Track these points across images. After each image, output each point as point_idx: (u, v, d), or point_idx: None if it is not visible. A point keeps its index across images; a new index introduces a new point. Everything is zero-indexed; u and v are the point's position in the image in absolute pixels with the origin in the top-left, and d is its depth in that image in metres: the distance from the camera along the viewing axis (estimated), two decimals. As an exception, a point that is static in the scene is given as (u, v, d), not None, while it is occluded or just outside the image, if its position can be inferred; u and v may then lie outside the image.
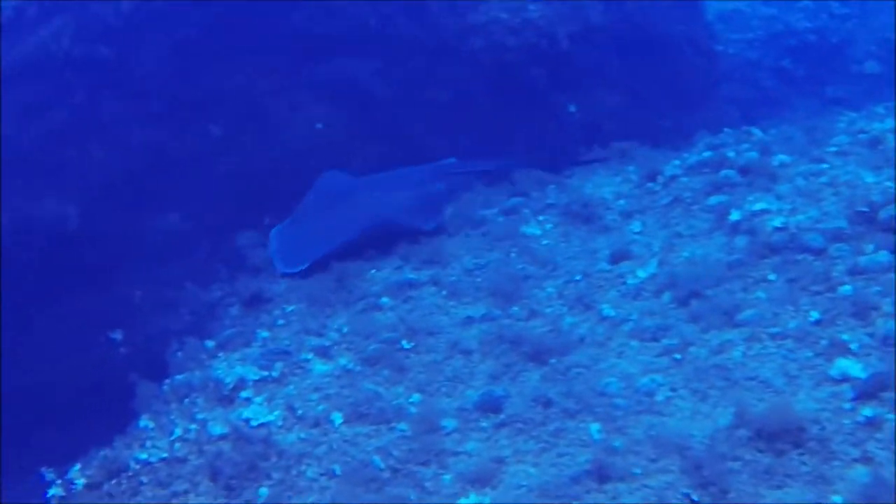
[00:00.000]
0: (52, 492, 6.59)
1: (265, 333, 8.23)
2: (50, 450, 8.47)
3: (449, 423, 6.63)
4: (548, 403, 6.51)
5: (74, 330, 10.20)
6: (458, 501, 5.89)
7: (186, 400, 7.55)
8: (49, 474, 7.49)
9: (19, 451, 9.32)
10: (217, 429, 6.89)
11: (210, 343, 8.37)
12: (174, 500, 6.33)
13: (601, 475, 5.78)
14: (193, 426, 6.99)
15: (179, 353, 8.53)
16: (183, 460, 6.65)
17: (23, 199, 10.24)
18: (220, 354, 8.14)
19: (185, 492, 6.40)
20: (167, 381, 8.12)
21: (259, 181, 10.85)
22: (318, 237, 9.60)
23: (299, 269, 9.32)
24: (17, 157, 10.02)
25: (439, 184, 10.28)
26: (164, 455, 6.74)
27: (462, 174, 10.65)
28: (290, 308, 8.68)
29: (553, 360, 6.95)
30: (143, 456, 6.75)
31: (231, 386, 7.41)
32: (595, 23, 11.23)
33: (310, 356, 7.70)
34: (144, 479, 6.53)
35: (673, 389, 6.46)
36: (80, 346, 10.22)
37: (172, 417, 7.17)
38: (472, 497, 5.87)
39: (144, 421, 7.26)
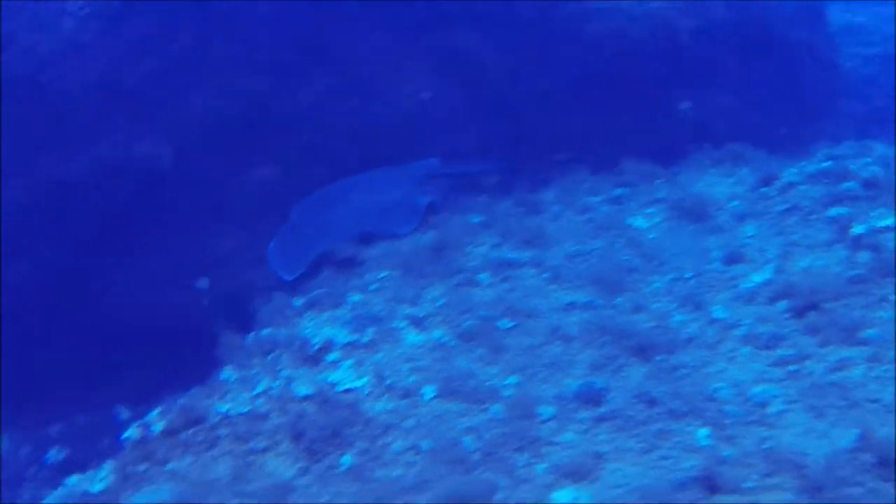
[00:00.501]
0: (127, 433, 6.10)
1: (357, 297, 7.78)
2: (129, 391, 8.14)
3: (546, 410, 6.11)
4: (652, 402, 6.01)
5: (160, 274, 9.80)
6: (553, 495, 5.28)
7: (270, 356, 7.13)
8: (124, 413, 7.11)
9: (98, 389, 8.98)
10: (302, 389, 6.44)
11: (298, 301, 7.87)
12: (251, 458, 5.76)
13: (710, 485, 5.24)
14: (277, 383, 6.56)
15: (265, 308, 7.97)
16: (264, 417, 6.21)
17: (119, 136, 9.79)
18: (308, 313, 7.72)
19: (264, 450, 5.95)
20: (251, 334, 7.58)
21: (357, 143, 10.35)
22: (307, 242, 9.32)
23: (296, 275, 8.89)
24: (118, 94, 9.58)
25: (423, 187, 9.93)
26: (246, 409, 6.30)
27: (447, 176, 10.29)
28: (383, 274, 8.21)
29: (659, 358, 6.45)
30: (224, 408, 6.31)
31: (318, 347, 6.97)
32: (716, 19, 10.60)
33: (402, 325, 7.25)
34: (223, 431, 6.09)
35: (788, 402, 5.93)
36: (164, 291, 9.77)
37: (255, 372, 6.71)
38: (569, 491, 5.29)
39: (227, 372, 6.83)
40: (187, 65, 9.93)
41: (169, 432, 6.12)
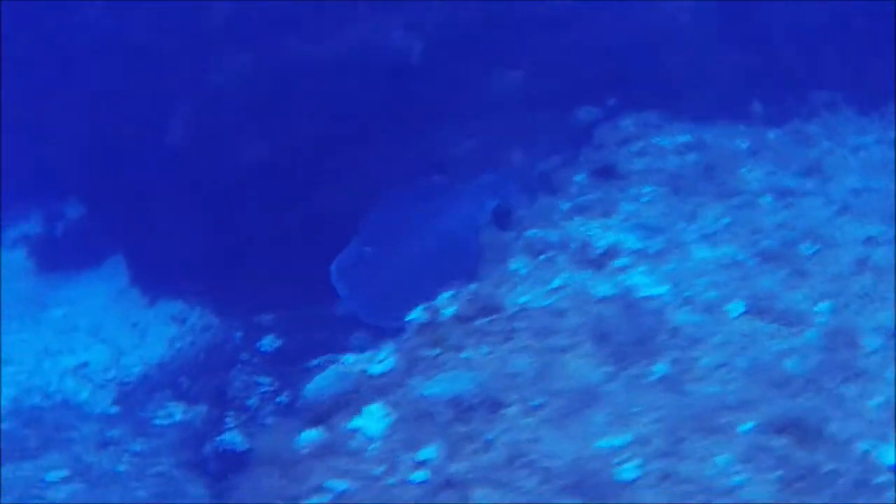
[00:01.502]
0: (413, 315, 5.42)
1: (629, 206, 7.02)
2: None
3: (870, 342, 5.16)
4: None
5: (397, 166, 9.10)
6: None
7: (543, 256, 6.30)
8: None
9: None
10: (600, 290, 5.59)
11: (566, 205, 7.07)
12: (551, 355, 5.03)
13: None
14: (572, 280, 5.71)
15: (525, 210, 7.23)
16: (562, 314, 5.40)
17: (371, 24, 9.12)
18: (577, 218, 6.88)
19: (564, 349, 5.18)
20: (510, 233, 6.86)
21: (610, 59, 9.51)
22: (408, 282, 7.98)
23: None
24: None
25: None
26: (544, 303, 5.49)
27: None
28: (649, 188, 7.38)
29: None
30: (523, 299, 5.57)
31: (602, 251, 6.12)
32: None
33: (689, 238, 6.33)
34: (520, 324, 5.33)
35: None
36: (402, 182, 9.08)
37: (541, 268, 5.92)
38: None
39: (515, 264, 6.02)
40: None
41: (461, 318, 5.41)
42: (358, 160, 9.44)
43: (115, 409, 9.58)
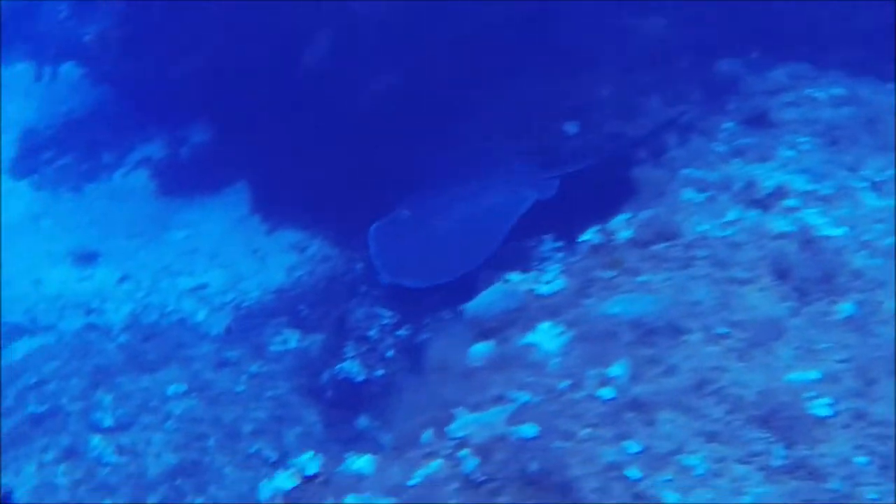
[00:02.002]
0: (586, 237, 5.06)
1: (789, 152, 6.59)
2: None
3: None
4: None
5: (530, 109, 8.73)
6: None
7: (705, 193, 5.89)
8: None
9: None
10: (776, 225, 5.18)
11: (720, 147, 6.67)
12: (731, 286, 4.64)
13: None
14: (747, 214, 5.31)
15: (678, 150, 6.83)
16: (739, 246, 5.02)
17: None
18: (735, 160, 6.45)
19: (744, 281, 4.86)
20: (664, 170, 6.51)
21: (754, 12, 9.00)
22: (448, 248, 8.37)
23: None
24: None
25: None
26: (722, 234, 5.10)
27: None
28: (805, 138, 6.89)
29: None
30: (702, 227, 5.18)
31: (769, 191, 5.72)
32: None
33: (857, 185, 5.87)
34: (700, 252, 4.95)
35: None
36: (532, 129, 8.69)
37: (706, 203, 5.54)
38: None
39: (689, 193, 5.64)
40: None
41: (637, 242, 5.04)
42: (493, 99, 9.04)
43: (228, 332, 9.32)
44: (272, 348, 9.15)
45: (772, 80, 8.14)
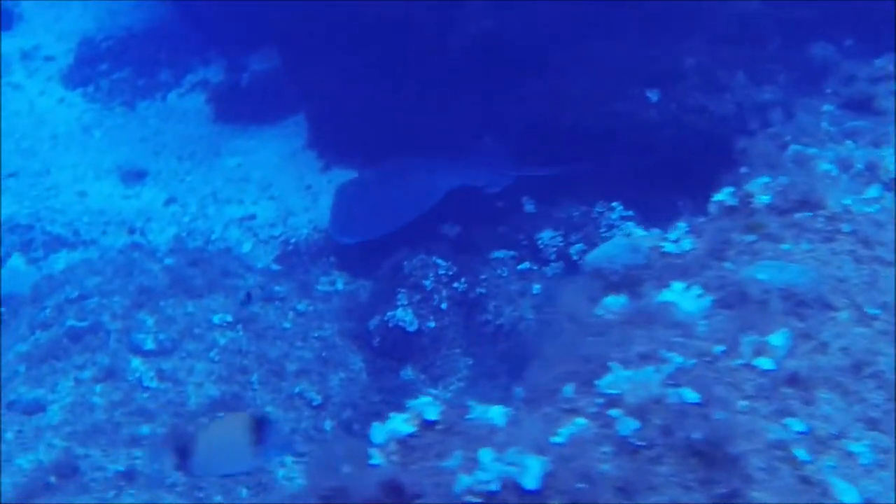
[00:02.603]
0: (720, 196, 4.50)
1: (904, 139, 5.96)
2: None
3: None
4: None
5: (612, 73, 8.15)
6: None
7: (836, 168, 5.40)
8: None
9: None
10: None
11: (830, 127, 6.12)
12: (875, 266, 4.09)
13: None
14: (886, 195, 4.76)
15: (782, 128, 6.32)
16: (882, 226, 4.51)
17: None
18: (848, 141, 5.90)
19: (889, 263, 4.22)
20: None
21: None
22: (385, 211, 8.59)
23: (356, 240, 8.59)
24: None
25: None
26: (866, 210, 4.54)
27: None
28: None
29: None
30: (846, 201, 4.57)
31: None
32: None
33: None
34: (845, 226, 4.39)
35: None
36: (612, 93, 8.51)
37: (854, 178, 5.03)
38: None
39: (825, 165, 5.10)
40: None
41: (777, 209, 4.47)
42: (578, 57, 8.46)
43: (276, 267, 8.78)
44: (319, 288, 8.58)
45: (877, 68, 7.53)
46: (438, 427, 3.43)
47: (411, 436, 3.39)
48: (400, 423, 3.40)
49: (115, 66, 11.10)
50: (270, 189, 9.59)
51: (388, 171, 9.14)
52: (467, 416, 3.36)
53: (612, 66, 8.70)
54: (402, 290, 8.13)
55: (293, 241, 9.05)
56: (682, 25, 8.74)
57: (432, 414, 3.41)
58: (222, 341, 7.62)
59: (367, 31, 8.86)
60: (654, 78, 8.65)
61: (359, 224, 8.84)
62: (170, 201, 9.59)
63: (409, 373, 7.85)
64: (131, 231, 9.18)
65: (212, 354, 7.46)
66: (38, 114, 10.58)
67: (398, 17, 8.65)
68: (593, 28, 8.72)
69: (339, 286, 8.67)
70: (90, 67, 11.11)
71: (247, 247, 9.02)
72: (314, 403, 7.44)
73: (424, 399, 3.47)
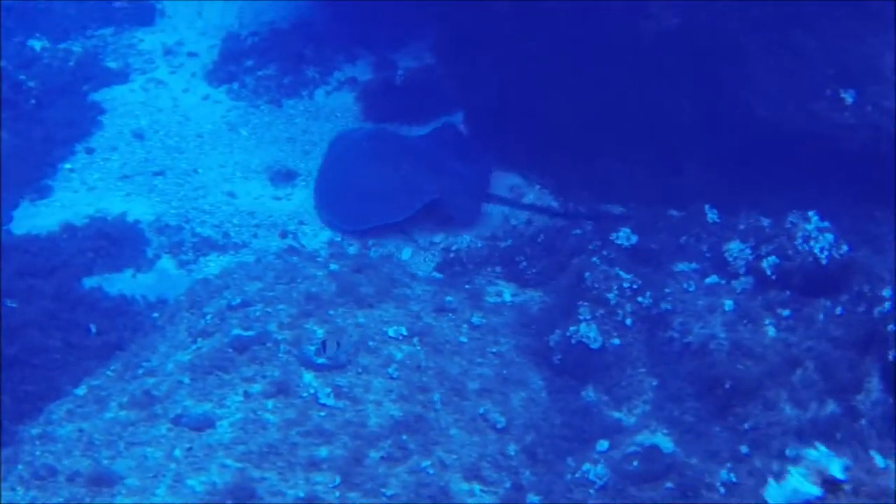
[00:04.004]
0: None
1: None
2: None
3: None
4: None
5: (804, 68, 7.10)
6: None
7: None
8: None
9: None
10: None
11: None
12: None
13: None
14: None
15: None
16: None
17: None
18: None
19: None
20: None
21: None
22: (377, 201, 8.39)
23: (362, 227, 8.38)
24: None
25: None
26: None
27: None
28: None
29: None
30: None
31: None
32: None
33: None
34: None
35: None
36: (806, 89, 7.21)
37: None
38: None
39: None
40: None
41: None
42: (769, 50, 7.41)
43: (438, 275, 7.81)
44: (487, 299, 7.59)
45: None
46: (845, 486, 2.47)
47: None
48: (801, 482, 2.43)
49: (259, 63, 10.23)
50: (427, 193, 8.63)
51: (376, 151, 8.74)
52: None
53: (808, 57, 7.55)
54: (584, 304, 7.07)
55: (454, 248, 8.02)
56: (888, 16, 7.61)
57: (836, 469, 2.46)
58: (399, 356, 6.65)
59: (534, 30, 7.83)
60: (850, 75, 7.52)
61: (357, 211, 8.49)
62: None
63: (590, 393, 6.84)
64: (283, 234, 8.20)
65: (390, 370, 6.48)
66: (183, 111, 9.71)
67: (569, 13, 7.61)
68: (789, 16, 7.61)
69: (507, 298, 7.64)
70: (235, 64, 10.21)
71: (406, 254, 8.05)
72: (498, 426, 6.43)
73: (821, 450, 2.53)
